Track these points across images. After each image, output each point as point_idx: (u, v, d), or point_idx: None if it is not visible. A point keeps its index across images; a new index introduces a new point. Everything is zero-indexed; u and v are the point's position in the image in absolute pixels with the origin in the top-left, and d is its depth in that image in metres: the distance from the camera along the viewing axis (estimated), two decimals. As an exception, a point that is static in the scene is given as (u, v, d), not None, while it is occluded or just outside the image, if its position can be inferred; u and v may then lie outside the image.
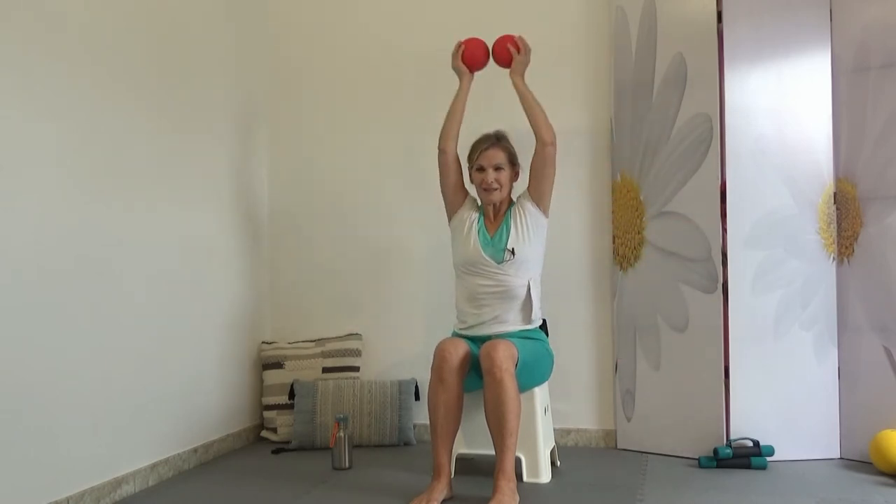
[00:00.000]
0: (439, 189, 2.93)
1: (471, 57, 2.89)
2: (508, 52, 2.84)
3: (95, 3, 2.55)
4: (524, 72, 2.85)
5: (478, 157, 2.82)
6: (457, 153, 2.89)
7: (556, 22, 3.48)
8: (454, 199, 2.91)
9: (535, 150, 2.82)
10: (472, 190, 2.93)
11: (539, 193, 2.84)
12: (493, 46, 2.87)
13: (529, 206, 2.83)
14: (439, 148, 2.88)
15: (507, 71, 2.87)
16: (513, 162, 2.85)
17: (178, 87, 3.01)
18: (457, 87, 2.89)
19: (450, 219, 2.93)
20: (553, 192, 2.88)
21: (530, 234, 2.80)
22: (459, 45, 2.91)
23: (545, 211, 2.86)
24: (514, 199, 2.89)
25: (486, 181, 2.79)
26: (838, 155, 3.07)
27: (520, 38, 2.85)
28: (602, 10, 3.43)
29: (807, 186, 3.06)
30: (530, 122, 2.83)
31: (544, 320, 2.90)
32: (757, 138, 3.05)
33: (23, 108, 2.24)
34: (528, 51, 2.84)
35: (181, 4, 3.05)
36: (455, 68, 2.91)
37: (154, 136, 2.85)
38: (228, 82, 3.41)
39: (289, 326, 3.73)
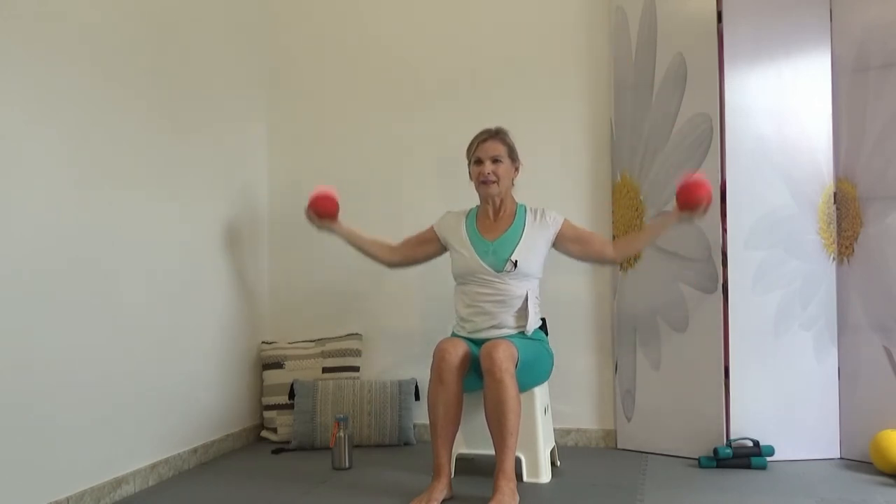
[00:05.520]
0: (436, 213, 3.02)
1: (323, 209, 2.91)
2: (698, 205, 2.68)
3: (96, 3, 2.55)
4: (683, 223, 2.80)
5: (475, 150, 2.81)
6: (397, 248, 3.01)
7: (556, 22, 3.48)
8: (434, 249, 2.97)
9: (606, 249, 2.87)
10: (464, 188, 2.91)
11: (564, 247, 2.86)
12: (698, 186, 2.68)
13: (551, 230, 2.82)
14: (389, 267, 3.05)
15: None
16: (512, 156, 2.83)
17: (177, 86, 3.01)
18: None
19: (447, 250, 2.94)
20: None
21: (538, 249, 2.79)
22: (306, 212, 2.93)
23: (553, 247, 2.87)
24: (524, 203, 2.88)
25: (483, 173, 2.78)
26: (838, 155, 3.07)
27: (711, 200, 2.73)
28: (602, 10, 3.43)
29: (807, 186, 3.07)
30: (629, 241, 2.94)
31: (543, 319, 2.90)
32: (757, 138, 3.05)
33: (23, 109, 2.24)
34: (703, 213, 2.73)
35: (181, 4, 3.05)
36: (319, 228, 2.97)
37: (154, 135, 2.85)
38: (228, 82, 3.41)
39: (289, 326, 3.73)
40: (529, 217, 2.84)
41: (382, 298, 3.64)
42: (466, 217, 2.90)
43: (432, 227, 2.96)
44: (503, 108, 3.47)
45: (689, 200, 2.70)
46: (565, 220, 2.87)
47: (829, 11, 3.07)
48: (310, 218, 2.96)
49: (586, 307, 3.43)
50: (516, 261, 2.73)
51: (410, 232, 3.40)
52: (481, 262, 2.76)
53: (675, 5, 3.16)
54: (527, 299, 2.75)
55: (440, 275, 3.08)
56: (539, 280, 2.84)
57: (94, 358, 2.51)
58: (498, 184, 2.79)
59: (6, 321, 2.16)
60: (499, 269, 2.74)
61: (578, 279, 3.43)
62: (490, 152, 2.78)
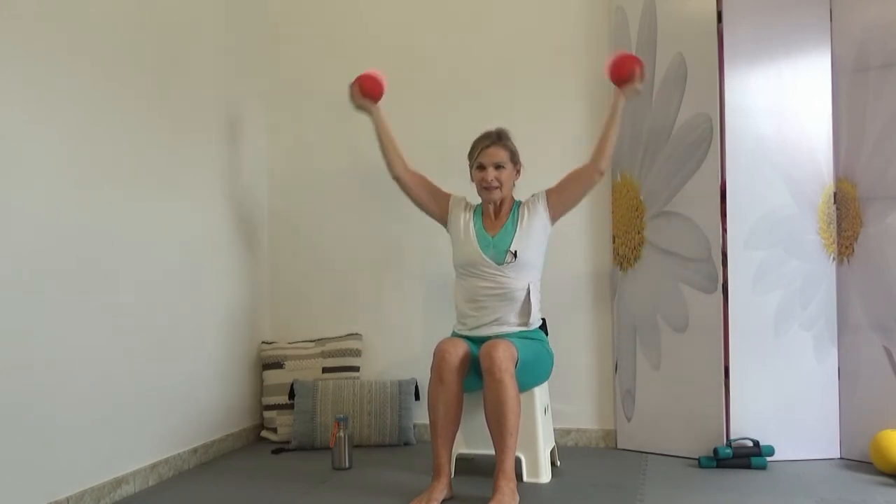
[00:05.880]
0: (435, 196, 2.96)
1: (369, 90, 2.92)
2: (632, 74, 2.79)
3: (96, 3, 2.55)
4: (629, 98, 2.86)
5: (478, 155, 2.81)
6: (411, 170, 2.95)
7: (556, 22, 3.48)
8: (436, 208, 2.94)
9: (585, 170, 2.84)
10: (465, 188, 2.91)
11: (560, 206, 2.85)
12: (621, 59, 2.83)
13: (541, 210, 2.82)
14: (393, 177, 2.96)
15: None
16: (514, 160, 2.84)
17: (177, 86, 3.01)
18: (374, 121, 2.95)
19: (444, 225, 2.94)
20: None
21: (535, 237, 2.79)
22: (352, 85, 2.94)
23: (554, 221, 2.86)
24: (520, 199, 2.89)
25: (485, 179, 2.79)
26: (838, 155, 3.07)
27: (643, 66, 2.83)
28: (602, 10, 3.43)
29: (807, 186, 3.06)
30: (599, 143, 2.84)
31: (544, 320, 2.90)
32: (757, 138, 3.05)
33: (23, 109, 2.24)
34: (642, 82, 2.84)
35: (181, 5, 3.04)
36: (358, 106, 2.96)
37: (154, 135, 2.85)
38: (228, 82, 3.41)
39: (289, 326, 3.73)
40: (522, 209, 2.85)
41: (382, 298, 3.65)
42: (474, 211, 2.91)
43: (450, 196, 2.95)
44: (503, 108, 3.47)
45: (622, 76, 2.80)
46: (545, 191, 2.87)
47: (829, 11, 3.07)
48: (351, 93, 2.95)
49: (586, 307, 3.43)
50: (516, 251, 2.74)
51: (412, 232, 3.43)
52: (483, 254, 2.76)
53: (675, 5, 3.16)
54: (528, 293, 2.75)
55: (441, 275, 3.08)
56: (540, 273, 2.84)
57: (94, 358, 2.51)
58: (500, 189, 2.80)
59: (6, 321, 2.16)
60: (500, 262, 2.74)
61: (579, 279, 3.43)
62: (493, 158, 2.79)
